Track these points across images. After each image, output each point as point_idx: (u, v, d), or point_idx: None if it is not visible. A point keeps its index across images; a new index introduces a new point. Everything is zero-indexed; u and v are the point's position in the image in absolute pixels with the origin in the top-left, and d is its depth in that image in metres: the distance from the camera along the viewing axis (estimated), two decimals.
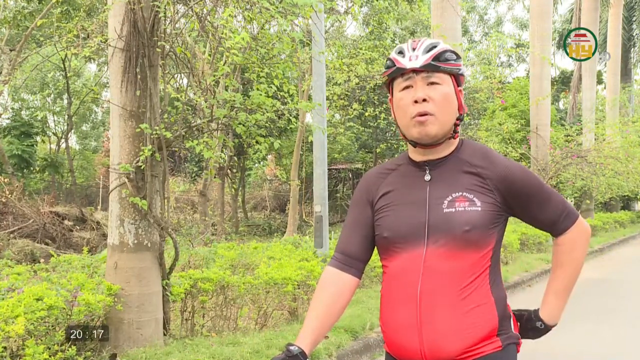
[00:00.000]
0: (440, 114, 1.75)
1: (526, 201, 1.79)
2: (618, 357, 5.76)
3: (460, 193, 1.75)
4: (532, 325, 1.88)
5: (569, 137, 17.36)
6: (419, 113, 1.74)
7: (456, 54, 1.81)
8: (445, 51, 1.77)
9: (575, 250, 1.85)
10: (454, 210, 1.73)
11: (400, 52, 1.81)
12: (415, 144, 1.82)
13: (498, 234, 1.77)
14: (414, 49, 1.78)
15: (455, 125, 1.81)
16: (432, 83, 1.76)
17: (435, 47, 1.77)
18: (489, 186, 1.76)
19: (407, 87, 1.78)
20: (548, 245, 14.09)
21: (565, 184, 18.91)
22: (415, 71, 1.76)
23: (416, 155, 1.85)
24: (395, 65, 1.79)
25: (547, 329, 1.89)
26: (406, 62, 1.77)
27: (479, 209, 1.72)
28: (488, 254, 1.73)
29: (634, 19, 31.50)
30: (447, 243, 1.71)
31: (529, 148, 15.97)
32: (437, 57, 1.75)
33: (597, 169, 16.45)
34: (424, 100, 1.74)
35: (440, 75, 1.76)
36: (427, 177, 1.81)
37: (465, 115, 1.87)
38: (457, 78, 1.80)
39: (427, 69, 1.75)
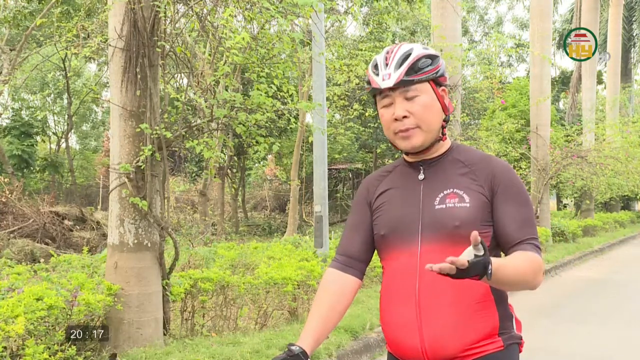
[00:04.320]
0: (423, 124, 1.76)
1: (504, 203, 1.74)
2: (618, 358, 5.76)
3: (451, 190, 1.77)
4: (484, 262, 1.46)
5: (569, 137, 17.36)
6: (401, 130, 1.77)
7: (432, 57, 1.79)
8: (419, 59, 1.76)
9: (526, 260, 1.66)
10: (444, 206, 1.75)
11: (376, 68, 1.80)
12: (406, 152, 1.86)
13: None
14: (386, 65, 1.77)
15: (442, 127, 1.83)
16: (411, 97, 1.76)
17: (408, 56, 1.76)
18: (480, 183, 1.76)
19: (387, 105, 1.80)
20: (548, 245, 14.10)
21: (565, 183, 18.93)
22: (391, 89, 1.76)
23: (410, 157, 1.88)
24: (371, 85, 1.81)
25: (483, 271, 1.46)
26: (380, 82, 1.77)
27: (468, 205, 1.73)
28: None
29: (634, 18, 31.52)
30: (439, 240, 1.72)
31: (529, 148, 15.97)
32: (411, 69, 1.74)
33: (597, 169, 16.46)
34: (405, 117, 1.75)
35: (417, 86, 1.76)
36: (421, 176, 1.84)
37: (450, 116, 1.87)
38: (436, 81, 1.80)
39: (401, 85, 1.75)
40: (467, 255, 1.45)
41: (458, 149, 1.87)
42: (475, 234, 1.44)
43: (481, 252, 1.45)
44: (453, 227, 1.71)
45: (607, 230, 21.08)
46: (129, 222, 4.79)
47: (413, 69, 1.75)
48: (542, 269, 1.70)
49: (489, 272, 1.46)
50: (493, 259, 1.51)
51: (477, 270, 1.44)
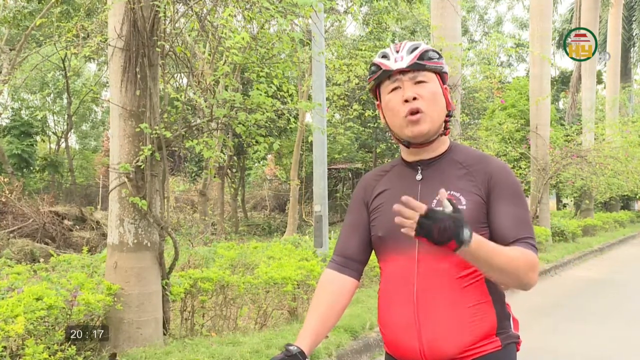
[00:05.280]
0: (430, 110, 1.77)
1: (500, 203, 1.74)
2: (617, 358, 5.76)
3: (448, 192, 1.76)
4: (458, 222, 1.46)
5: (568, 137, 17.36)
6: (411, 111, 1.76)
7: (438, 53, 1.84)
8: (428, 50, 1.80)
9: (519, 253, 1.65)
10: (441, 209, 1.74)
11: (384, 56, 1.83)
12: (408, 144, 1.84)
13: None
14: (397, 51, 1.80)
15: (445, 122, 1.84)
16: (420, 82, 1.78)
17: (417, 47, 1.80)
18: (476, 184, 1.76)
19: (395, 89, 1.80)
20: (547, 245, 14.10)
21: (565, 183, 18.93)
22: (401, 72, 1.78)
23: (409, 155, 1.88)
24: (381, 69, 1.82)
25: (459, 239, 1.46)
26: (392, 64, 1.79)
27: (464, 207, 1.73)
28: None
29: (633, 18, 31.51)
30: None
31: (529, 148, 15.97)
32: (421, 57, 1.78)
33: (597, 168, 16.46)
34: (414, 98, 1.76)
35: (426, 73, 1.79)
36: (419, 177, 1.83)
37: (453, 112, 1.88)
38: (441, 76, 1.83)
39: (413, 68, 1.77)
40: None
41: (456, 149, 1.87)
42: (442, 191, 1.48)
43: (449, 208, 1.45)
44: None
45: (607, 230, 21.08)
46: (128, 222, 4.79)
47: (423, 57, 1.79)
48: (536, 267, 1.69)
49: (466, 235, 1.44)
50: (475, 235, 1.50)
51: (445, 225, 1.43)
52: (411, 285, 1.73)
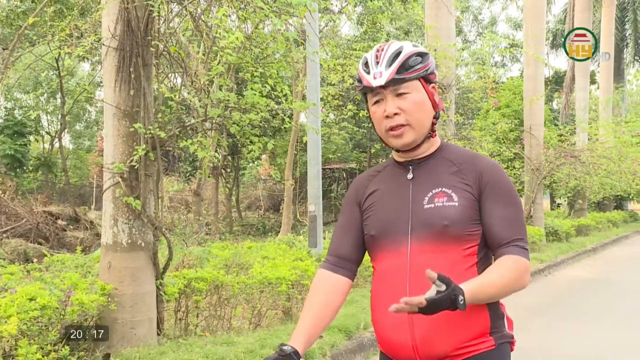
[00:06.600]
0: (414, 122, 1.77)
1: (492, 203, 1.75)
2: (610, 357, 5.79)
3: (439, 189, 1.77)
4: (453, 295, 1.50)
5: (562, 137, 17.43)
6: (392, 127, 1.77)
7: (422, 54, 1.80)
8: (410, 57, 1.77)
9: (508, 268, 1.69)
10: (433, 206, 1.76)
11: (366, 66, 1.81)
12: (397, 149, 1.86)
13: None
14: (377, 63, 1.78)
15: (433, 124, 1.83)
16: (402, 94, 1.77)
17: (399, 54, 1.77)
18: (468, 182, 1.77)
19: (378, 101, 1.80)
20: (541, 245, 14.15)
21: (559, 183, 19.00)
22: (382, 86, 1.77)
23: (400, 156, 1.89)
24: (362, 83, 1.81)
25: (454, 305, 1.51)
26: (371, 80, 1.78)
27: (456, 204, 1.74)
28: (473, 249, 1.75)
29: (626, 19, 31.68)
30: (429, 239, 1.73)
31: (523, 148, 16.02)
32: (402, 67, 1.75)
33: (590, 168, 16.52)
34: (396, 114, 1.76)
35: (408, 84, 1.77)
36: (410, 176, 1.84)
37: (440, 113, 1.87)
38: (426, 78, 1.81)
39: (393, 83, 1.76)
40: (430, 292, 1.48)
41: (447, 148, 1.87)
42: (428, 271, 1.46)
43: (443, 288, 1.47)
44: (442, 227, 1.72)
45: (600, 230, 21.17)
46: (122, 222, 4.78)
47: (404, 67, 1.76)
48: (527, 271, 1.72)
49: (461, 303, 1.49)
50: (467, 286, 1.54)
51: (444, 305, 1.48)
52: (404, 283, 1.74)
